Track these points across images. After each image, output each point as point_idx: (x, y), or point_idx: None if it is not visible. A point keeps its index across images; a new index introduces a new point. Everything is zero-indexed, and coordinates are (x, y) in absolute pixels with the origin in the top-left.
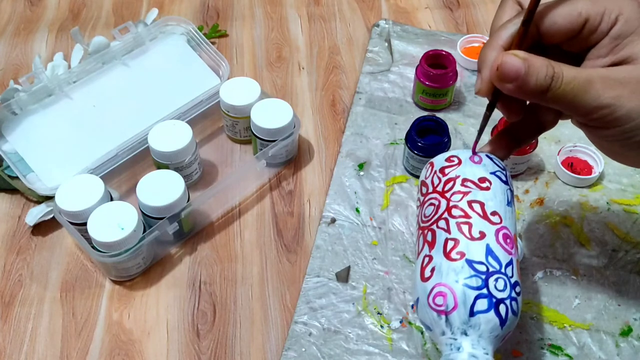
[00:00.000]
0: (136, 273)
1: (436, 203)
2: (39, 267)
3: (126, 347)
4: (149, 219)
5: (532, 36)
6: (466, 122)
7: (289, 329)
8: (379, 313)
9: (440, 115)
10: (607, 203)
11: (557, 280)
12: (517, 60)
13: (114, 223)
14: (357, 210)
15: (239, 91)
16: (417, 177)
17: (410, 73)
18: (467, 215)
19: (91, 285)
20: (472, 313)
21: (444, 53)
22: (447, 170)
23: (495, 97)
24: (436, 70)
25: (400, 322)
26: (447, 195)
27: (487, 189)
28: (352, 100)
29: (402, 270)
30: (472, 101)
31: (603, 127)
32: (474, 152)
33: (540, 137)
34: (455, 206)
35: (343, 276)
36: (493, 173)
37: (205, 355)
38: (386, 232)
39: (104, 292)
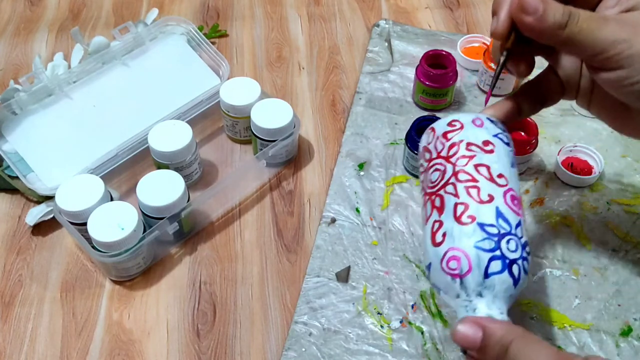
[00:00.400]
0: (136, 273)
1: (442, 168)
2: (39, 267)
3: (126, 347)
4: (149, 219)
5: None
6: None
7: (289, 329)
8: (379, 313)
9: (440, 115)
10: (607, 203)
11: (557, 280)
12: None
13: (114, 223)
14: (357, 210)
15: (239, 91)
16: (417, 177)
17: (410, 73)
18: (474, 179)
19: (91, 285)
20: (486, 275)
21: (444, 53)
22: (449, 135)
23: (510, 37)
24: (436, 70)
25: (400, 322)
26: (452, 160)
27: (492, 151)
28: (352, 100)
29: (402, 270)
30: (472, 101)
31: (614, 67)
32: (486, 103)
33: (541, 137)
34: (461, 170)
35: (343, 276)
36: (495, 135)
37: (205, 355)
38: (386, 232)
39: (104, 292)
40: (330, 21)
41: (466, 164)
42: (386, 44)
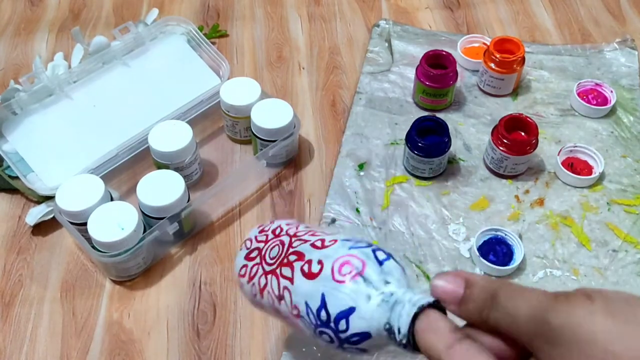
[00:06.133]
0: (136, 273)
1: (278, 242)
2: (39, 267)
3: (126, 347)
4: (149, 219)
5: None
6: (466, 122)
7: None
8: None
9: (440, 115)
10: (607, 203)
11: (557, 280)
12: None
13: (114, 223)
14: (357, 210)
15: (239, 91)
16: (418, 177)
17: (411, 73)
18: (315, 234)
19: (91, 285)
20: (380, 262)
21: (444, 53)
22: (265, 228)
23: None
24: (436, 71)
25: None
26: (282, 232)
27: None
28: (353, 100)
29: None
30: (472, 101)
31: None
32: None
33: (540, 137)
34: (297, 231)
35: None
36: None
37: (205, 355)
38: (386, 232)
39: (104, 292)
40: (331, 21)
41: (297, 228)
42: (386, 44)
